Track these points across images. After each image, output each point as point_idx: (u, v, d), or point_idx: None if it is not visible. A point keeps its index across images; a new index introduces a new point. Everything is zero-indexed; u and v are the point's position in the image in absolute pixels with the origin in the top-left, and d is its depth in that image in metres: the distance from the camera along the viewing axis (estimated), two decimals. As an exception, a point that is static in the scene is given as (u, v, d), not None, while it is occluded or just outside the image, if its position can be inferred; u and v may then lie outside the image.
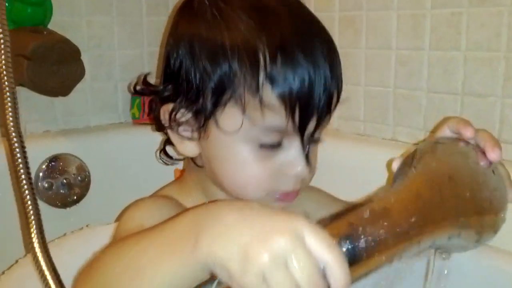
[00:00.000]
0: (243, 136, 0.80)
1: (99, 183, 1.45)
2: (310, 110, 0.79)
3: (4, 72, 0.81)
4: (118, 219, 0.88)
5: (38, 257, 0.79)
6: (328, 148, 1.40)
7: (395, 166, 0.77)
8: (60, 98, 1.41)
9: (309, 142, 0.83)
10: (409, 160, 0.75)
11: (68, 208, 1.40)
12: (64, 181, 1.38)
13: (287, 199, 0.86)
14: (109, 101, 1.61)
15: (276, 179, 0.83)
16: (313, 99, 0.79)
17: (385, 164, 1.25)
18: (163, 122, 0.88)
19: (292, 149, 0.82)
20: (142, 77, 0.95)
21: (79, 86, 1.37)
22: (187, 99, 0.84)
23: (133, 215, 0.85)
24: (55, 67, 1.26)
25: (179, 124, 0.86)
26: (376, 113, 1.37)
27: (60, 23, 1.43)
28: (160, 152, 1.00)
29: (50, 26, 1.39)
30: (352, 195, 1.23)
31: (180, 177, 1.01)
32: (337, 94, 0.85)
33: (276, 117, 0.78)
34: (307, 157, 0.83)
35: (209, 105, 0.81)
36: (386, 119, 1.34)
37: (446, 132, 0.80)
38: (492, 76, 1.12)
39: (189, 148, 0.88)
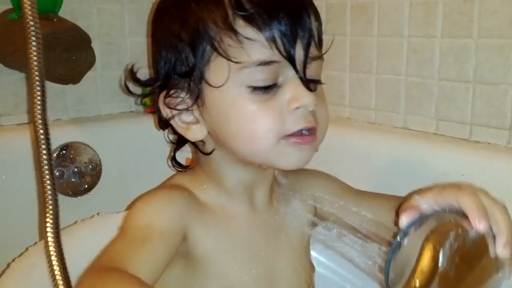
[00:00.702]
0: (236, 83, 0.80)
1: (110, 172, 1.45)
2: (291, 33, 0.79)
3: (35, 63, 0.81)
4: (129, 208, 0.88)
5: (49, 243, 0.79)
6: (340, 136, 1.41)
7: (404, 222, 0.72)
8: (70, 87, 1.41)
9: (305, 76, 0.82)
10: (413, 243, 0.71)
11: (79, 197, 1.40)
12: (75, 169, 1.39)
13: (306, 141, 0.83)
14: (120, 90, 1.61)
15: (284, 119, 0.81)
16: (289, 21, 0.79)
17: (395, 152, 1.25)
18: (164, 115, 0.87)
19: (290, 84, 0.81)
20: (129, 73, 0.94)
21: (89, 74, 1.37)
22: (176, 76, 0.84)
23: (143, 210, 0.84)
24: (65, 54, 1.26)
25: (178, 109, 0.86)
26: (388, 101, 1.36)
27: (70, 10, 1.43)
28: (172, 160, 1.00)
29: (61, 13, 1.39)
30: (363, 183, 1.23)
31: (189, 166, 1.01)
32: (316, 22, 0.84)
33: (260, 49, 0.78)
34: (308, 86, 0.81)
35: (195, 68, 0.82)
36: (397, 108, 1.34)
37: (454, 205, 0.72)
38: (504, 63, 1.11)
39: (196, 131, 0.87)
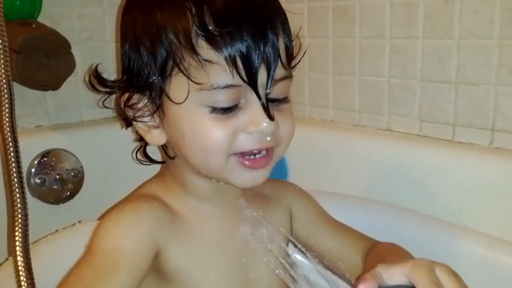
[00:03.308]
0: (196, 102, 0.79)
1: (93, 179, 1.44)
2: (253, 58, 0.77)
3: (2, 70, 0.80)
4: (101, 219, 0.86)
5: (17, 260, 0.77)
6: (324, 139, 1.41)
7: None
8: (52, 93, 1.40)
9: (268, 98, 0.80)
10: None
11: (61, 204, 1.39)
12: (57, 176, 1.37)
13: (257, 165, 0.82)
14: (102, 95, 1.59)
15: (237, 139, 0.80)
16: (252, 42, 0.76)
17: (379, 154, 1.24)
18: (126, 115, 0.87)
19: (251, 108, 0.80)
20: (93, 70, 0.92)
21: (71, 80, 1.36)
22: (138, 83, 0.83)
23: (111, 231, 0.82)
24: (44, 60, 1.25)
25: (140, 113, 0.85)
26: (371, 103, 1.36)
27: (50, 15, 1.41)
28: (143, 154, 1.00)
29: (40, 18, 1.37)
30: (347, 186, 1.23)
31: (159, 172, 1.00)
32: (285, 40, 0.82)
33: (221, 73, 0.77)
34: (269, 114, 0.79)
35: (157, 80, 0.81)
36: (380, 109, 1.33)
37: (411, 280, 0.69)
38: (485, 63, 1.11)
39: (156, 136, 0.87)
